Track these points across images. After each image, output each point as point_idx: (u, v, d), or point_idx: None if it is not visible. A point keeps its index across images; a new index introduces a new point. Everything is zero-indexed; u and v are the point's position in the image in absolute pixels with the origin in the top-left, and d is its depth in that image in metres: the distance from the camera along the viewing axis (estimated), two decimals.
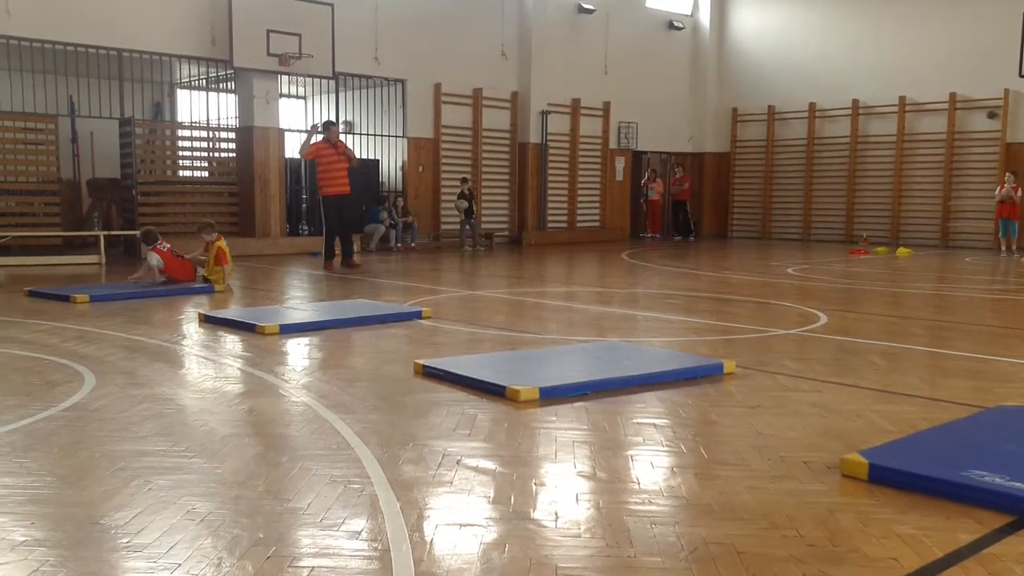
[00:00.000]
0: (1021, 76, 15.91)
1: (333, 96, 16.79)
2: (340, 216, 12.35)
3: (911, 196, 18.98)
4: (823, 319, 7.77)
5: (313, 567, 2.59)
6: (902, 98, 18.74)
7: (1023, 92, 17.12)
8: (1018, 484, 3.16)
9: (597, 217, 20.14)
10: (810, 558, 2.69)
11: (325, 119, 14.98)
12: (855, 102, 19.44)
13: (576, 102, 19.19)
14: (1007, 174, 16.23)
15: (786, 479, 3.43)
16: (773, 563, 2.65)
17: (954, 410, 4.52)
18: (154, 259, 9.51)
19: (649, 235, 21.16)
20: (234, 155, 15.42)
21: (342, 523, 2.92)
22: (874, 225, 19.28)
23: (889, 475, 3.35)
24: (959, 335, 7.31)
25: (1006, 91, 17.28)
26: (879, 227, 19.23)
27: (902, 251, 16.56)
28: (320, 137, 12.53)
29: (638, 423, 4.28)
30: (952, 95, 18.06)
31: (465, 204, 16.57)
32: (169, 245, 9.81)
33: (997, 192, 16.15)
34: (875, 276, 12.33)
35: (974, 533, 2.89)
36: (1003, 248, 16.19)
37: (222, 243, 9.72)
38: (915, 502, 3.17)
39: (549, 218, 19.03)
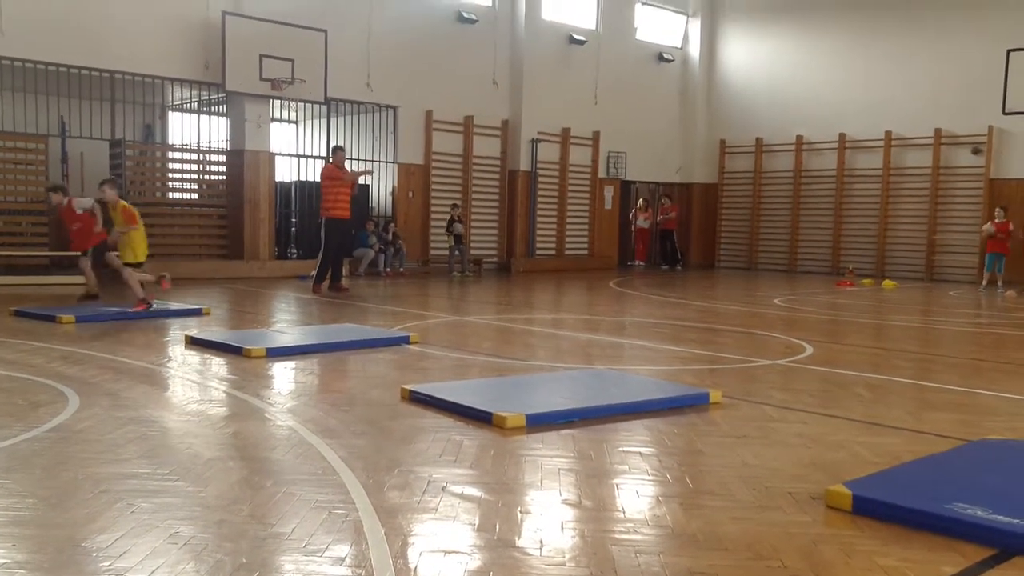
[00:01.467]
0: (1005, 113, 16.12)
1: (325, 121, 16.85)
2: (341, 239, 12.41)
3: (896, 229, 19.14)
4: (809, 350, 7.81)
5: None
6: (888, 133, 18.95)
7: (1007, 129, 17.35)
8: (1000, 517, 3.17)
9: (585, 245, 20.22)
10: None
11: (333, 144, 15.07)
12: (842, 136, 19.65)
13: (566, 131, 19.32)
14: (998, 209, 16.30)
15: (771, 510, 3.44)
16: None
17: (938, 443, 4.54)
18: (87, 202, 9.70)
19: (637, 264, 21.24)
20: (224, 178, 15.43)
21: (326, 549, 2.91)
22: (860, 257, 19.41)
23: (873, 507, 3.37)
24: (943, 368, 7.36)
25: (990, 127, 17.50)
26: (865, 259, 19.36)
27: (888, 283, 16.67)
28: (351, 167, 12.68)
29: (624, 451, 4.28)
30: (937, 131, 18.27)
31: (459, 229, 16.60)
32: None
33: (986, 227, 16.20)
34: (861, 308, 12.40)
35: (957, 566, 2.90)
36: (986, 282, 16.26)
37: (125, 204, 9.64)
38: (898, 534, 3.18)
39: (538, 245, 19.09)
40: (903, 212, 19.03)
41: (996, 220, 16.02)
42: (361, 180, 12.55)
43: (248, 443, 4.30)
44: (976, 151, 17.89)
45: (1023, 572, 2.86)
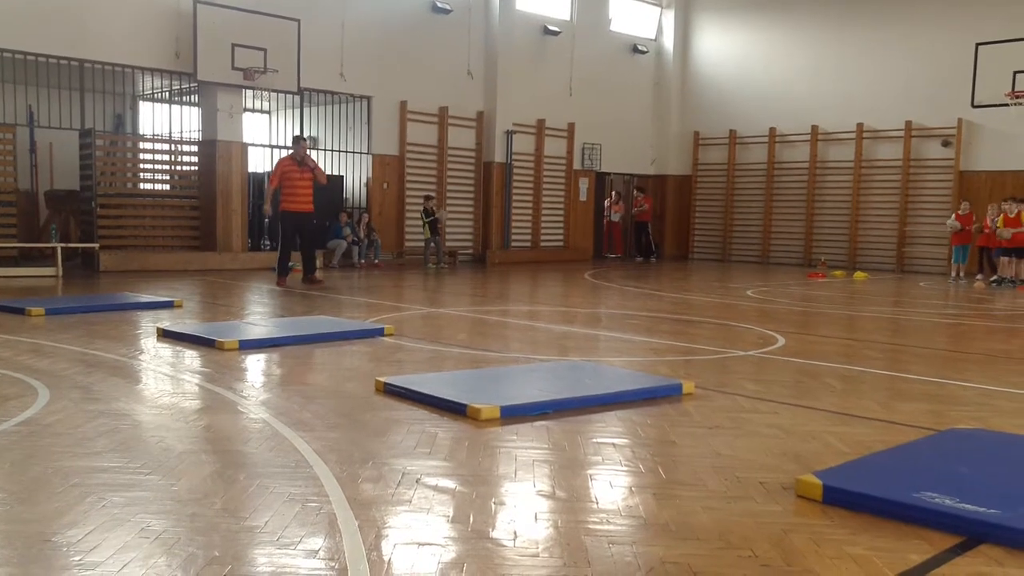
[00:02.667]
0: (974, 106, 16.31)
1: (298, 111, 16.74)
2: (299, 233, 12.27)
3: (868, 221, 19.33)
4: (781, 341, 7.88)
5: None
6: (860, 125, 19.12)
7: (975, 122, 17.56)
8: (967, 506, 3.22)
9: (561, 237, 20.25)
10: None
11: (294, 134, 14.93)
12: (814, 128, 19.80)
13: (541, 122, 19.32)
14: (964, 203, 16.51)
15: (742, 499, 3.47)
16: None
17: (908, 432, 4.60)
18: None
19: (611, 256, 21.31)
20: (196, 169, 15.30)
21: (299, 542, 2.90)
22: (832, 249, 19.60)
23: (843, 496, 3.41)
24: (914, 359, 7.46)
25: (959, 120, 17.71)
26: (837, 251, 19.56)
27: (859, 275, 16.84)
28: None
29: (598, 442, 4.30)
30: (908, 123, 18.47)
31: (434, 216, 16.55)
32: None
33: (949, 222, 16.40)
34: (832, 299, 12.52)
35: (924, 554, 2.95)
36: (955, 274, 16.48)
37: None
38: (868, 523, 3.23)
39: (513, 237, 19.09)
40: (874, 204, 19.23)
41: (960, 213, 16.24)
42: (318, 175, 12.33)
43: (221, 436, 4.28)
44: (946, 143, 18.11)
45: (989, 559, 2.91)
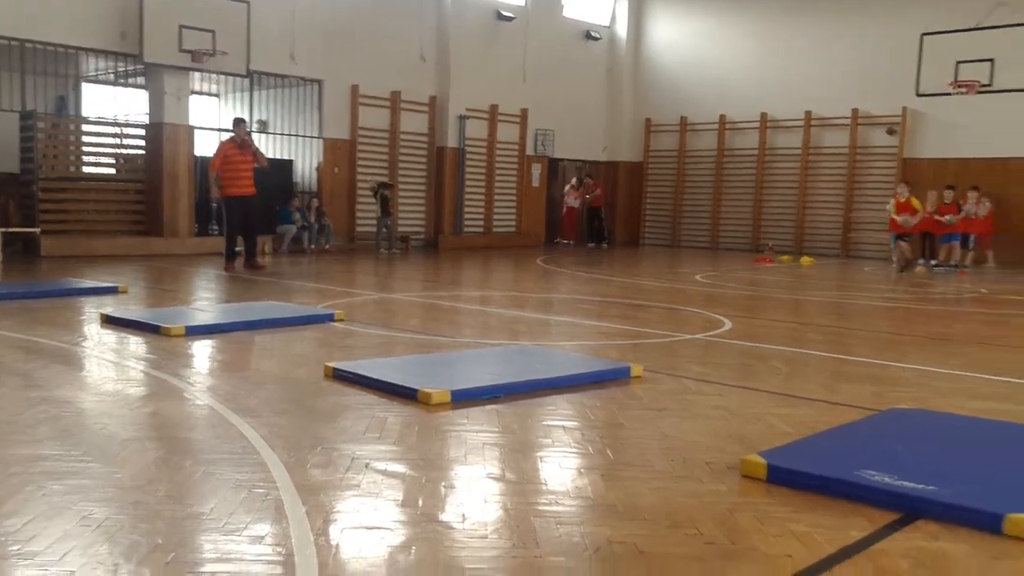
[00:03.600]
0: (918, 95, 16.62)
1: (247, 95, 16.48)
2: (245, 217, 12.12)
3: (815, 207, 19.65)
4: (728, 325, 7.99)
5: (214, 573, 2.54)
6: (808, 113, 19.40)
7: (920, 110, 17.92)
8: (906, 483, 3.31)
9: (513, 223, 20.25)
10: (709, 556, 2.77)
11: (235, 116, 14.69)
12: (763, 115, 20.04)
13: (494, 108, 19.27)
14: (901, 186, 16.82)
15: (688, 480, 3.53)
16: (674, 562, 2.72)
17: (850, 413, 4.70)
18: None
19: (564, 241, 21.38)
20: (142, 152, 14.99)
21: (245, 528, 2.88)
22: (779, 234, 19.88)
23: (786, 475, 3.48)
24: (857, 341, 7.61)
25: (904, 109, 18.05)
26: (784, 236, 19.84)
27: (805, 260, 17.12)
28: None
29: (548, 425, 4.33)
30: (854, 111, 18.78)
31: (386, 186, 16.38)
32: None
33: (888, 207, 16.69)
34: (779, 284, 12.72)
35: (864, 530, 3.02)
36: (896, 259, 16.76)
37: None
38: (810, 501, 3.29)
39: (466, 222, 19.04)
40: (821, 190, 19.54)
41: (899, 199, 16.56)
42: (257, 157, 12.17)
43: (166, 423, 4.22)
44: (891, 131, 18.45)
45: (925, 534, 3.00)
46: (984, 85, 15.38)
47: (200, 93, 17.78)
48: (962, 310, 10.44)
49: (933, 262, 15.75)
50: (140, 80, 15.33)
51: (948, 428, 4.36)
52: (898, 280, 13.91)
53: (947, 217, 15.44)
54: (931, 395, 5.27)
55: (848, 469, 3.46)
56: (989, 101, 16.12)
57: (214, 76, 16.15)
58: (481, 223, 19.50)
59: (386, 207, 16.49)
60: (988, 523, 3.02)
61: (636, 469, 3.65)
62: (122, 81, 15.89)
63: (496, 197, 19.68)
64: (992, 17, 15.43)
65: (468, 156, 18.86)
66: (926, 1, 17.59)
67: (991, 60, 15.25)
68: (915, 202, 14.78)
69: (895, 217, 14.93)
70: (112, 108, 15.20)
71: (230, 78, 15.94)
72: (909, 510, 3.18)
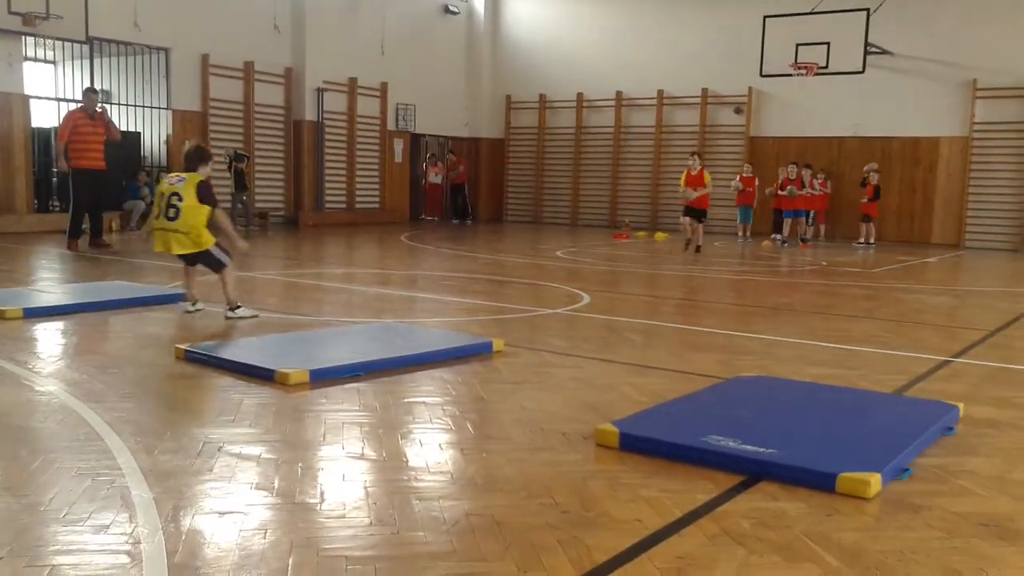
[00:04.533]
0: (762, 76, 17.39)
1: (87, 62, 15.53)
2: (93, 193, 11.48)
3: (668, 184, 20.28)
4: (587, 299, 8.18)
5: (55, 565, 2.42)
6: (660, 92, 19.99)
7: (764, 91, 18.76)
8: (749, 447, 3.49)
9: (376, 199, 20.00)
10: (564, 524, 2.84)
11: (85, 86, 13.85)
12: (618, 94, 20.52)
13: (353, 81, 18.91)
14: (746, 165, 17.71)
15: (545, 450, 3.61)
16: (529, 531, 2.78)
17: (699, 381, 4.91)
18: None
19: (428, 218, 21.30)
20: None
21: (88, 517, 2.75)
22: (635, 211, 20.47)
23: (638, 443, 3.61)
24: (706, 313, 7.95)
25: (750, 89, 18.88)
26: (640, 213, 20.44)
27: (660, 235, 17.70)
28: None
29: (409, 402, 4.32)
30: (704, 91, 19.49)
31: (240, 164, 15.78)
32: None
33: (733, 183, 17.49)
34: (635, 259, 13.11)
35: (710, 493, 3.17)
36: (741, 233, 17.63)
37: None
38: (661, 467, 3.43)
39: (327, 199, 18.67)
40: (674, 167, 20.15)
41: (744, 175, 17.42)
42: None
43: (1, 411, 3.96)
44: (737, 111, 19.27)
45: (766, 495, 3.17)
46: (821, 67, 16.24)
47: (35, 59, 16.66)
48: (803, 281, 11.06)
49: (778, 236, 16.60)
50: None
51: (788, 394, 4.62)
52: (744, 254, 14.58)
53: (788, 188, 16.33)
54: (773, 363, 5.56)
55: (695, 435, 3.62)
56: (826, 83, 17.06)
57: (49, 41, 15.16)
58: (343, 199, 19.17)
59: (241, 181, 15.93)
60: (823, 482, 3.23)
61: (496, 442, 3.71)
62: None
63: (358, 173, 19.38)
64: (827, 2, 16.27)
65: (327, 130, 18.47)
66: None
67: (827, 43, 16.10)
68: (707, 176, 13.49)
69: (689, 191, 13.34)
70: None
71: (68, 44, 14.99)
72: (752, 472, 3.36)
